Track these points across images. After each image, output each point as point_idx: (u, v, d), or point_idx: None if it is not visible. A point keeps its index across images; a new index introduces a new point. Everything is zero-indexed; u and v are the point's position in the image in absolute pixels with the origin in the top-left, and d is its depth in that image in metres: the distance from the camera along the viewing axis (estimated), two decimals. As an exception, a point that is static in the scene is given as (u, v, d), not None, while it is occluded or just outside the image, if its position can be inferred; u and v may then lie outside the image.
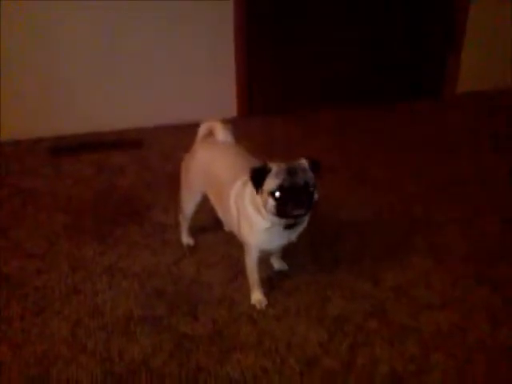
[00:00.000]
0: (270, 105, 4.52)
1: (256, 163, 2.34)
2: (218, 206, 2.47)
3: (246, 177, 2.19)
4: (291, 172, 2.04)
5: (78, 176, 3.53)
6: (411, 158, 3.82)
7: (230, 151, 2.49)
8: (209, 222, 2.71)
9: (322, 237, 2.88)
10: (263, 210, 2.10)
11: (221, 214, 2.48)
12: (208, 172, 2.47)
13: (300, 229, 2.26)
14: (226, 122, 2.60)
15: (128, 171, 3.60)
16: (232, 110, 4.44)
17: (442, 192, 3.38)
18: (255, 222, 2.18)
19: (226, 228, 2.74)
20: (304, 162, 2.10)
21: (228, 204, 2.31)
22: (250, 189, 2.16)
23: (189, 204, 2.68)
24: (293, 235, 2.27)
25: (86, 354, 2.14)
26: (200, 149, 2.57)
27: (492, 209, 3.19)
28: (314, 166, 2.10)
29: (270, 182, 2.03)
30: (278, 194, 2.02)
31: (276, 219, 2.11)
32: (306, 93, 4.61)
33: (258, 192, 2.07)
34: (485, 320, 2.34)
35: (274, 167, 2.06)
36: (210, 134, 2.57)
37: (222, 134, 2.54)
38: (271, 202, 2.04)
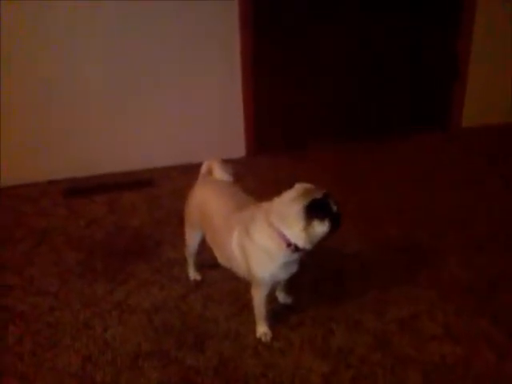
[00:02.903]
0: (278, 144, 4.63)
1: (248, 201, 2.45)
2: (215, 247, 2.55)
3: (240, 221, 2.30)
4: (328, 195, 2.19)
5: (90, 216, 3.63)
6: (414, 191, 3.89)
7: (224, 190, 2.57)
8: (216, 258, 2.78)
9: (325, 271, 2.94)
10: (302, 243, 2.16)
11: (219, 255, 2.53)
12: (202, 210, 2.56)
13: None
14: (224, 161, 2.71)
15: (139, 210, 3.71)
16: (241, 150, 4.56)
17: (445, 223, 3.43)
18: (277, 257, 2.23)
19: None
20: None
21: (230, 248, 2.36)
22: (266, 229, 2.21)
23: (191, 240, 2.78)
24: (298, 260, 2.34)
25: (95, 387, 2.20)
26: (197, 187, 2.67)
27: (494, 239, 3.23)
28: None
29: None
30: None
31: (309, 246, 2.19)
32: (313, 131, 4.72)
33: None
34: (489, 351, 2.35)
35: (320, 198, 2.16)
36: (211, 172, 2.68)
37: (220, 172, 2.64)
38: (322, 228, 2.14)
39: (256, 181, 3.92)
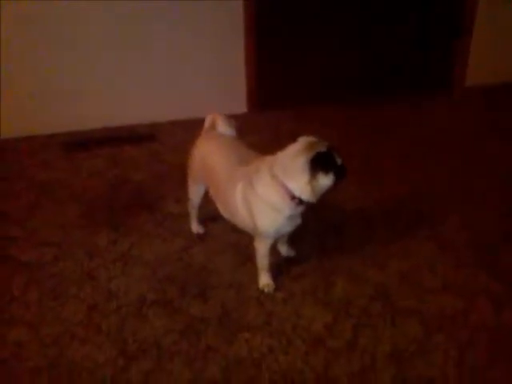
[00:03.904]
0: (280, 100, 4.59)
1: (252, 156, 2.43)
2: (218, 201, 2.56)
3: (244, 174, 2.29)
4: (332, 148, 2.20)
5: (92, 169, 3.63)
6: (417, 150, 3.90)
7: (227, 145, 2.56)
8: (219, 212, 2.81)
9: (327, 225, 2.97)
10: (307, 196, 2.17)
11: (222, 209, 2.54)
12: (206, 164, 2.56)
13: None
14: (227, 116, 2.69)
15: (141, 164, 3.71)
16: (242, 106, 4.53)
17: (447, 183, 3.45)
18: (282, 210, 2.24)
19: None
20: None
21: (234, 202, 2.36)
22: (270, 182, 2.20)
23: (194, 194, 2.78)
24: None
25: (100, 334, 2.23)
26: (200, 141, 2.66)
27: (495, 200, 3.24)
28: None
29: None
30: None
31: (314, 199, 2.20)
32: (315, 87, 4.68)
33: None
34: (487, 303, 2.40)
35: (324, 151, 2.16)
36: (214, 126, 2.66)
37: (223, 126, 2.63)
38: (327, 181, 2.16)
39: (257, 137, 3.89)
